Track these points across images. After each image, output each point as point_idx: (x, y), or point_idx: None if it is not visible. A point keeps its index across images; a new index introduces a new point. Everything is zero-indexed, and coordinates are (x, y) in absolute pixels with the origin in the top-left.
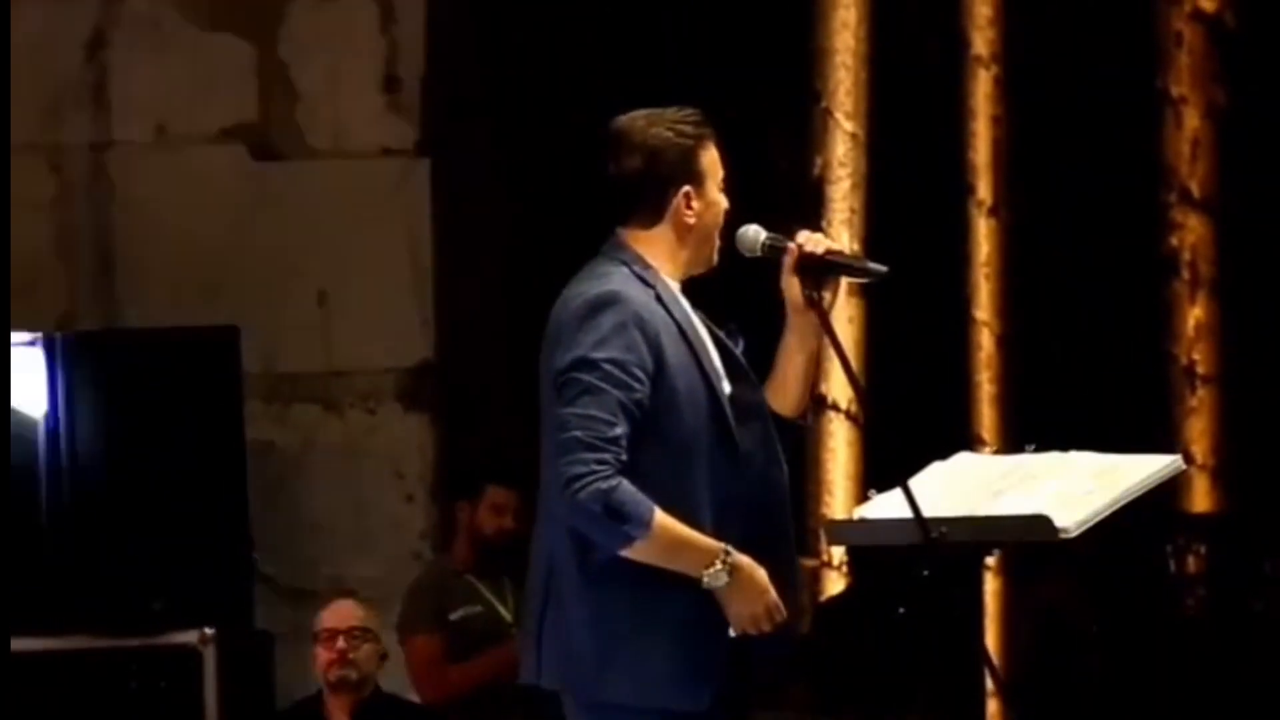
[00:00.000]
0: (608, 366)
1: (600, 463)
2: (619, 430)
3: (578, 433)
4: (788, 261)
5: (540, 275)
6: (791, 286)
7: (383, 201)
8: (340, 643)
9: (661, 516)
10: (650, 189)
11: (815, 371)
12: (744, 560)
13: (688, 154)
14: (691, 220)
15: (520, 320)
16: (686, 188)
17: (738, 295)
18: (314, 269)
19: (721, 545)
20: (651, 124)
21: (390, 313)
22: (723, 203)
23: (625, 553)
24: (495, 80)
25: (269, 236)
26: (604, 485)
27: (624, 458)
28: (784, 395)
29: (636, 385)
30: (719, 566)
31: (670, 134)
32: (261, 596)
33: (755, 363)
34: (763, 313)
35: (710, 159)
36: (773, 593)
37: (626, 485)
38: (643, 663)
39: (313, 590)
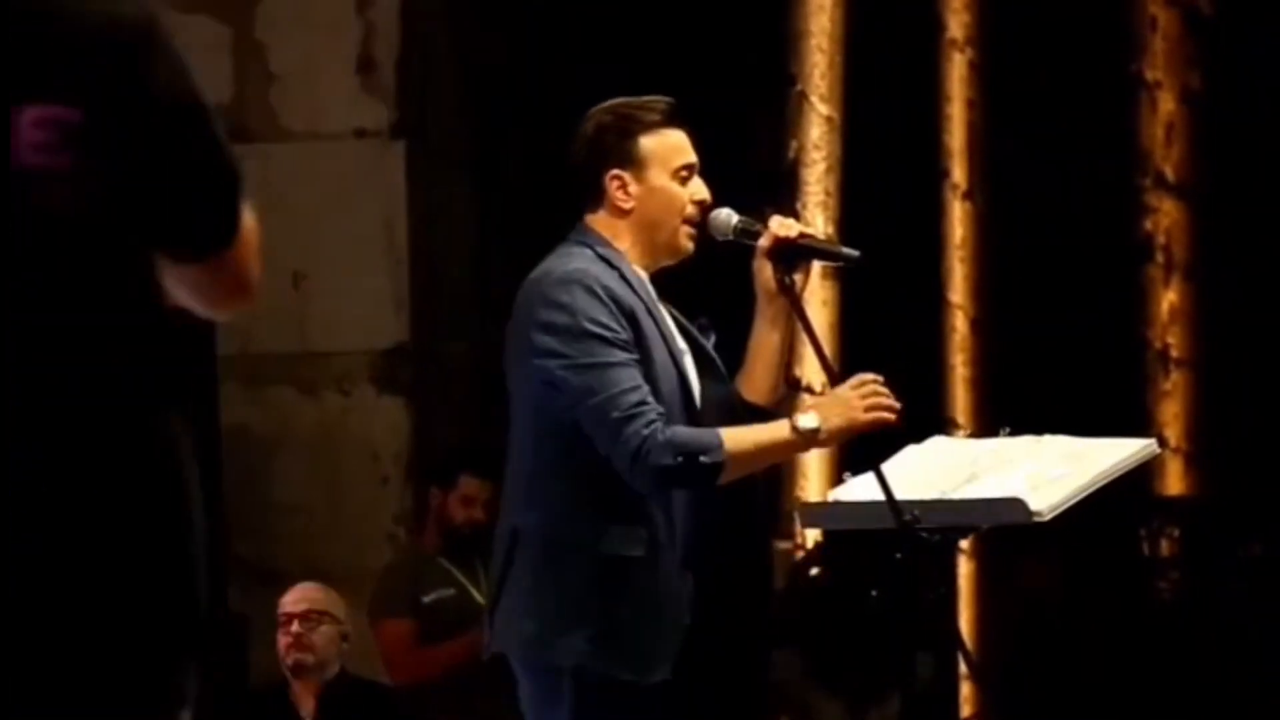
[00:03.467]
0: (598, 331)
1: (647, 425)
2: (640, 390)
3: (613, 414)
4: (761, 246)
5: (515, 257)
6: (764, 271)
7: (358, 183)
8: (295, 626)
9: (726, 431)
10: (587, 174)
11: (788, 356)
12: (807, 408)
13: (624, 138)
14: (627, 205)
15: (495, 302)
16: (615, 171)
17: (708, 282)
18: (289, 251)
19: (782, 418)
20: (599, 111)
21: (365, 295)
22: (677, 191)
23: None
24: (470, 63)
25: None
26: (661, 439)
27: (660, 409)
28: (758, 382)
29: (631, 345)
30: (802, 423)
31: (609, 119)
32: (236, 579)
33: (724, 353)
34: (733, 300)
35: (657, 145)
36: (856, 392)
37: (679, 428)
38: (593, 630)
39: (287, 572)
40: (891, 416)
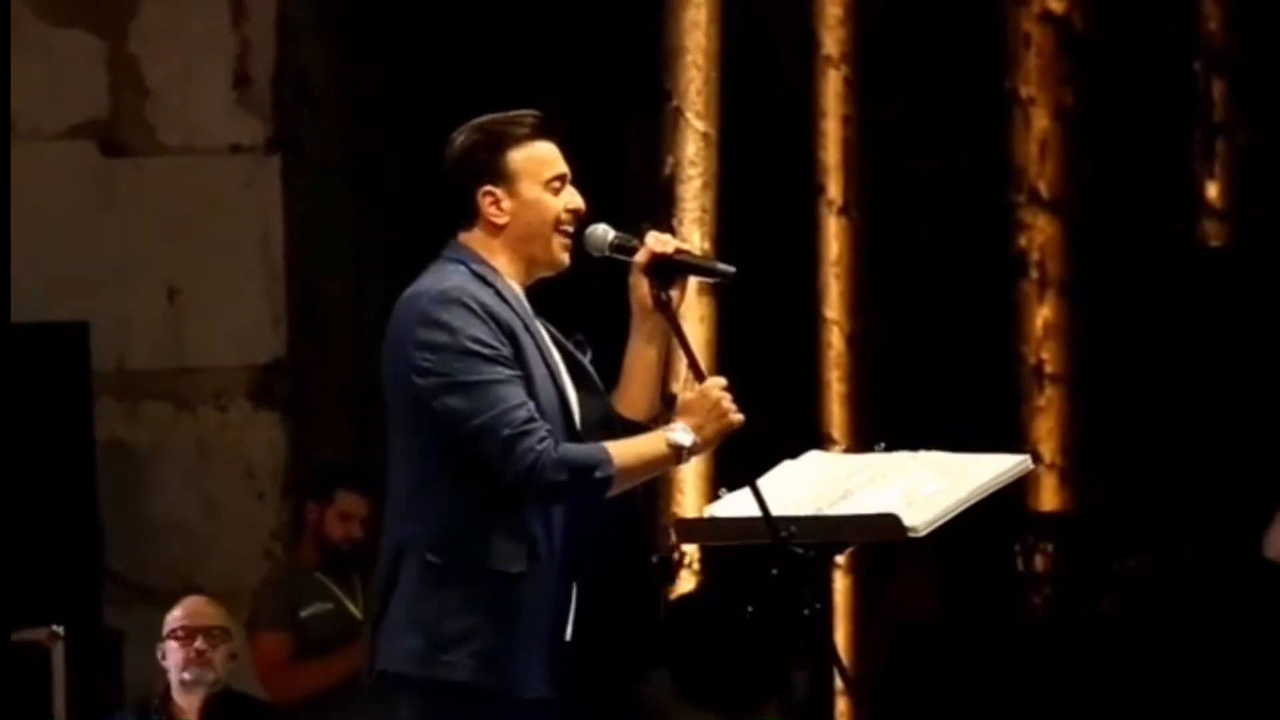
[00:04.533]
0: (479, 349)
1: (539, 442)
2: (528, 407)
3: (504, 431)
4: (636, 261)
5: (392, 273)
6: (639, 286)
7: (233, 198)
8: (199, 642)
9: (612, 446)
10: (458, 190)
11: (664, 372)
12: (677, 418)
13: (493, 154)
14: (501, 220)
15: (372, 317)
16: (487, 186)
17: (583, 298)
18: (164, 266)
19: (658, 430)
20: (468, 128)
21: (241, 310)
22: (550, 201)
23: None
24: (346, 78)
25: (119, 233)
26: (554, 456)
27: (548, 426)
28: (633, 398)
29: (513, 361)
30: (676, 439)
31: (477, 135)
32: (111, 594)
33: (600, 368)
34: (608, 316)
35: (526, 158)
36: (712, 398)
37: (568, 444)
38: (477, 646)
39: (163, 588)
40: (741, 418)
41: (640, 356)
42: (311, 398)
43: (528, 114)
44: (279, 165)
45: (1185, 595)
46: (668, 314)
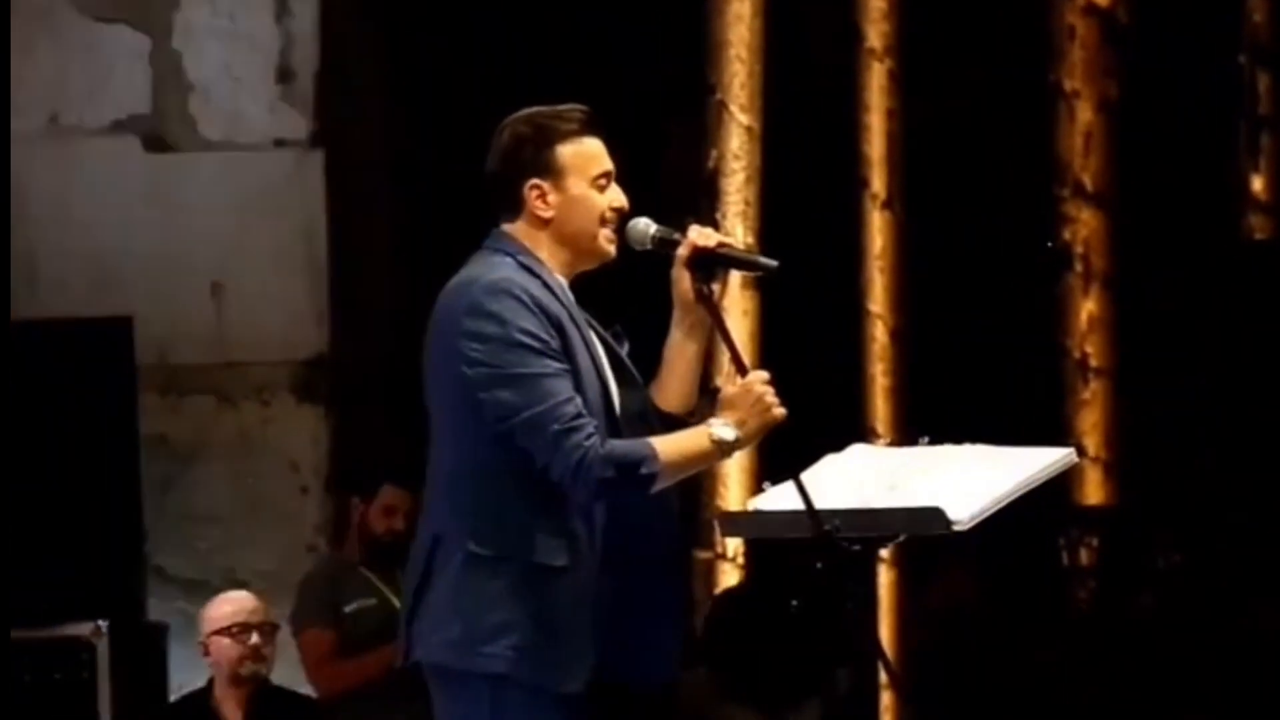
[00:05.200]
0: (529, 341)
1: (587, 438)
2: (576, 402)
3: (554, 426)
4: (679, 255)
5: (435, 267)
6: (682, 280)
7: (276, 193)
8: (255, 638)
9: (657, 442)
10: (505, 183)
11: (705, 366)
12: (719, 413)
13: (541, 148)
14: (546, 214)
15: (415, 312)
16: (534, 180)
17: (623, 290)
18: (207, 261)
19: (702, 425)
20: (515, 121)
21: (284, 305)
22: (596, 199)
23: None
24: (388, 72)
25: (162, 228)
26: (601, 453)
27: (596, 423)
28: (672, 391)
29: (561, 354)
30: (719, 435)
31: (525, 129)
32: (154, 588)
33: (637, 361)
34: (646, 308)
35: (574, 153)
36: (755, 393)
37: (615, 440)
38: (516, 639)
39: (206, 582)
40: (784, 412)
41: (680, 350)
42: (353, 392)
43: (576, 109)
44: (322, 160)
45: (1229, 590)
46: (710, 308)
